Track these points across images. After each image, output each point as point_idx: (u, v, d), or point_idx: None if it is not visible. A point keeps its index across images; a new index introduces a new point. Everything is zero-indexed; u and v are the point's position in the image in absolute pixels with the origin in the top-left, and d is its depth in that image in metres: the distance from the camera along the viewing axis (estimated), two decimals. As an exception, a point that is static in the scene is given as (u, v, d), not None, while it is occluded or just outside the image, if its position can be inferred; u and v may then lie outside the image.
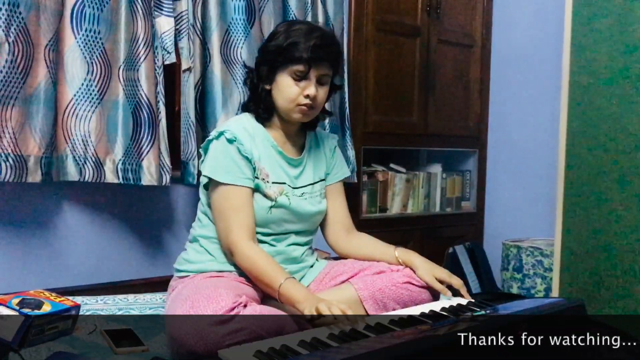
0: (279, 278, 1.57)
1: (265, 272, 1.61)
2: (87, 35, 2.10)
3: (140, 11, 2.16)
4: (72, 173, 2.12)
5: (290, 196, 1.75)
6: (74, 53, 2.08)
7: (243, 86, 2.41)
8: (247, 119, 1.78)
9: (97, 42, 2.11)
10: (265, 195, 1.71)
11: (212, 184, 1.71)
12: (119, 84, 2.17)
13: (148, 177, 2.17)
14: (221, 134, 1.70)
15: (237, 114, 2.40)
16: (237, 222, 1.65)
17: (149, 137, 2.17)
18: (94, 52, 2.11)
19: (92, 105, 2.12)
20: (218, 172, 1.68)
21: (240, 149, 1.68)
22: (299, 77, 1.68)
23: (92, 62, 2.11)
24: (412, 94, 3.14)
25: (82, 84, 2.10)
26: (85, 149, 2.13)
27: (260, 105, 1.76)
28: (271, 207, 1.72)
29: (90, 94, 2.12)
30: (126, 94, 2.17)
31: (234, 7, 2.40)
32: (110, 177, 2.18)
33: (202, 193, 1.79)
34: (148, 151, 2.17)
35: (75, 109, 2.10)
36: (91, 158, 2.14)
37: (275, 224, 1.74)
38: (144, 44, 2.17)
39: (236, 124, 1.74)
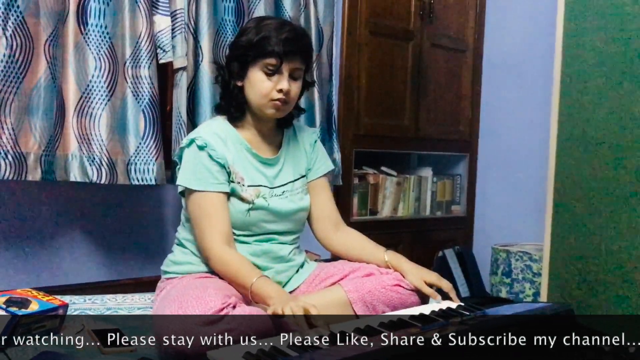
0: (251, 277, 1.56)
1: (239, 272, 1.60)
2: (94, 31, 2.05)
3: (143, 8, 2.14)
4: (81, 173, 2.05)
5: (267, 197, 1.73)
6: (80, 49, 2.04)
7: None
8: (218, 122, 1.76)
9: (104, 38, 2.06)
10: (242, 199, 1.69)
11: (186, 192, 1.70)
12: (125, 82, 2.12)
13: (161, 177, 2.14)
14: (192, 141, 1.68)
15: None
16: (210, 228, 1.64)
17: (155, 136, 2.14)
18: (101, 48, 2.06)
19: (101, 103, 2.06)
20: (190, 180, 1.67)
21: (212, 155, 1.66)
22: (272, 72, 1.66)
23: (99, 59, 2.06)
24: (404, 97, 3.15)
25: (90, 81, 2.05)
26: (100, 148, 2.05)
27: (232, 103, 1.74)
28: (249, 209, 1.70)
29: (99, 91, 2.06)
30: (133, 92, 2.13)
31: (224, 8, 2.40)
32: (122, 179, 2.11)
33: (182, 199, 1.78)
34: (158, 150, 2.14)
35: (83, 107, 2.05)
36: (105, 158, 2.06)
37: (254, 226, 1.72)
38: (148, 41, 2.14)
39: (206, 129, 1.72)
